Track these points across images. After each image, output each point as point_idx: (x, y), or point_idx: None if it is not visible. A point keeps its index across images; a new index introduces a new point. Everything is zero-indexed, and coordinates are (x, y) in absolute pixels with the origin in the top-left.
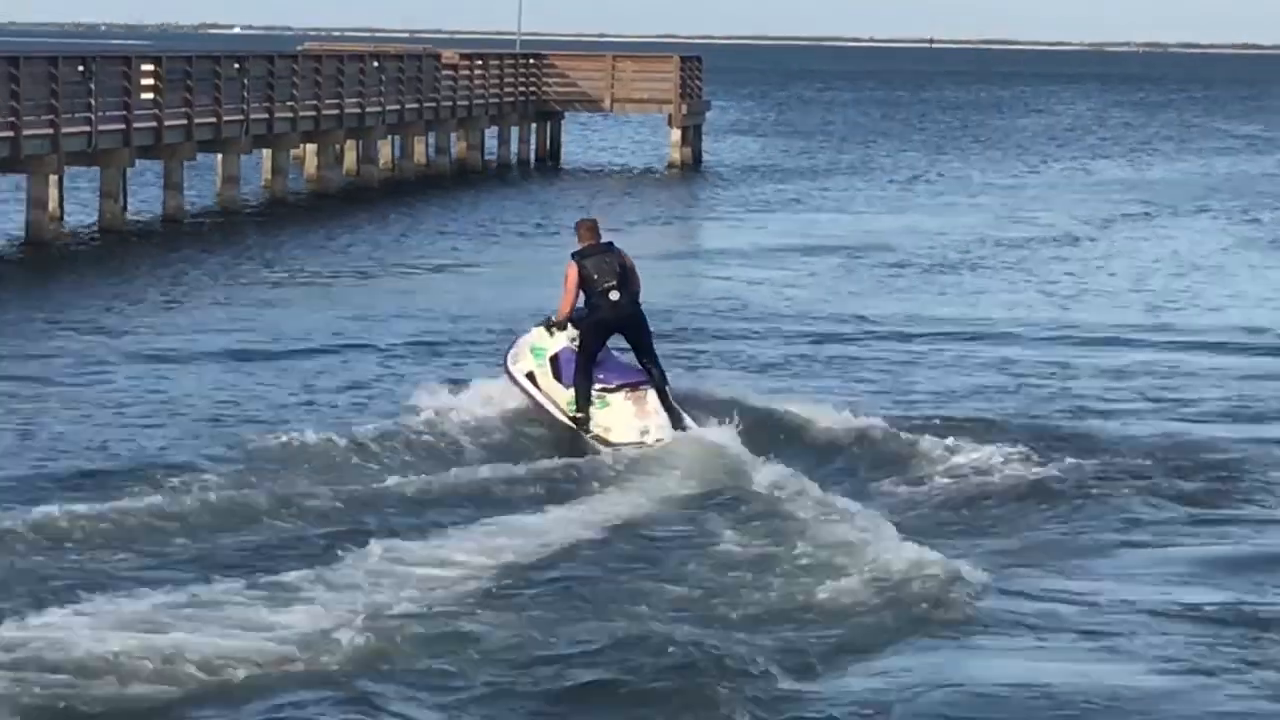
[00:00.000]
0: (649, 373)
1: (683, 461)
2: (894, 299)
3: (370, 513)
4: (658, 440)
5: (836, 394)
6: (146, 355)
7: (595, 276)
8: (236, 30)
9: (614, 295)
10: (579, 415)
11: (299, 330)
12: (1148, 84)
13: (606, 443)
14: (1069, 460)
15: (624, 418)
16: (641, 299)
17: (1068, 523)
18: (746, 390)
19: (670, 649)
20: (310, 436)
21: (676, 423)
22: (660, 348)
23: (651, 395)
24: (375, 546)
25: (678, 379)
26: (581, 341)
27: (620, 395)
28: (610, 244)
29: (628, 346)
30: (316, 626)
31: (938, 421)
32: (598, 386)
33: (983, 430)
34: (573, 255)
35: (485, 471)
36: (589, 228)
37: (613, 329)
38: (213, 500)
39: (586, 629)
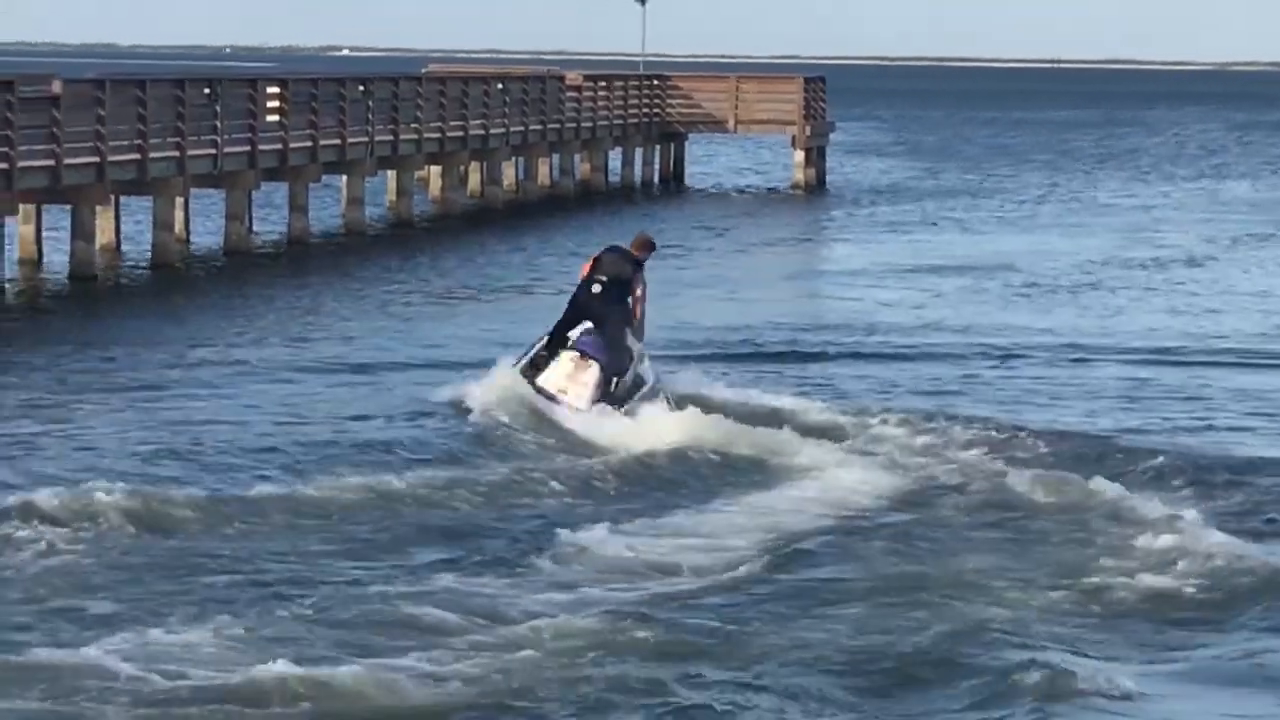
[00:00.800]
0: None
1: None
2: (1026, 317)
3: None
4: (570, 406)
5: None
6: (280, 368)
7: (602, 268)
8: (349, 52)
9: (595, 288)
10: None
11: (425, 345)
12: (1275, 103)
13: (531, 382)
14: None
15: (559, 370)
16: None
17: None
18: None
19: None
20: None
21: (604, 401)
22: (795, 369)
23: (594, 370)
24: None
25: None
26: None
27: (571, 354)
28: (639, 261)
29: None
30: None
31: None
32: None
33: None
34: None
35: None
36: (642, 242)
37: (581, 313)
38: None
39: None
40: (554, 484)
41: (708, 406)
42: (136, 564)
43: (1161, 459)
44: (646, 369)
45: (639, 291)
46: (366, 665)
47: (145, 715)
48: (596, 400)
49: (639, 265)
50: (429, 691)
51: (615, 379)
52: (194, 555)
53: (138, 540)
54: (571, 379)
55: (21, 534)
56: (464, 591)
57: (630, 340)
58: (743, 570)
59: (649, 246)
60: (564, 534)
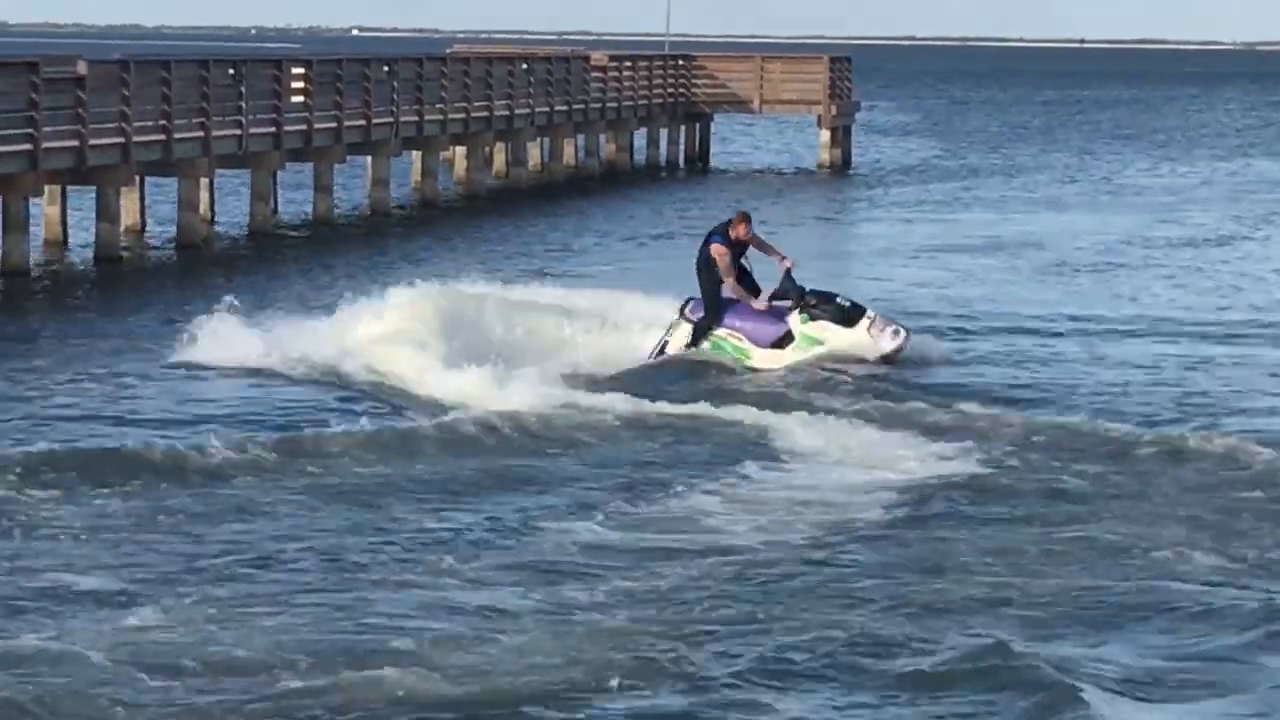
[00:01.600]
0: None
1: None
2: (1055, 296)
3: None
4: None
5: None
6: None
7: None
8: (364, 33)
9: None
10: None
11: None
12: None
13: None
14: None
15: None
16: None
17: None
18: None
19: None
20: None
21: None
22: None
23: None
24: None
25: None
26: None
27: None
28: (709, 237)
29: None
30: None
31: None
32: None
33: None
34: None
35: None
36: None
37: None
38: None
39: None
40: None
41: None
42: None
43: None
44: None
45: (718, 261)
46: None
47: None
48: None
49: (707, 240)
50: None
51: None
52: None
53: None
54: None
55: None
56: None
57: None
58: None
59: (736, 220)
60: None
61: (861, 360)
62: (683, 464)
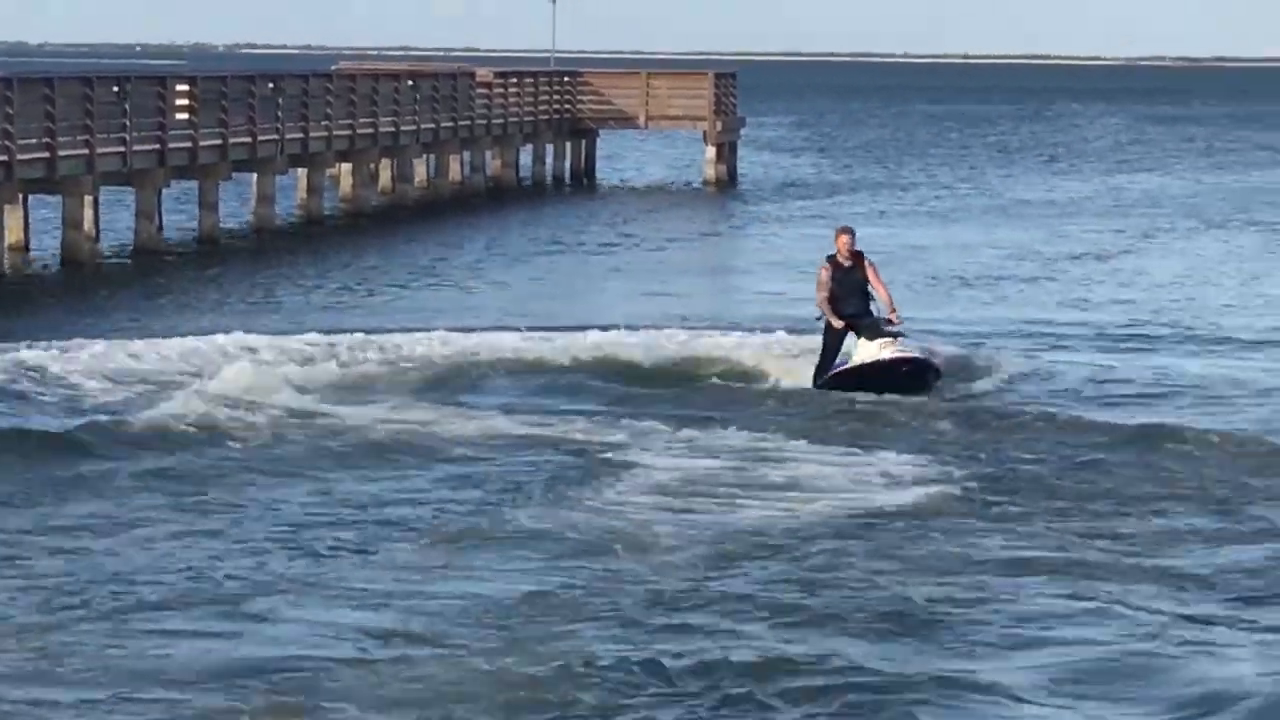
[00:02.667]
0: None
1: None
2: (926, 310)
3: None
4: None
5: None
6: None
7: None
8: (249, 50)
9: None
10: None
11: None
12: (1180, 97)
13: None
14: None
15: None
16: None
17: None
18: None
19: None
20: None
21: None
22: None
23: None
24: None
25: None
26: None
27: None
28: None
29: None
30: None
31: None
32: None
33: None
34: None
35: None
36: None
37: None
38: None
39: None
40: None
41: None
42: None
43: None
44: None
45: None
46: None
47: None
48: None
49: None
50: None
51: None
52: None
53: None
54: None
55: None
56: None
57: None
58: None
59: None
60: None
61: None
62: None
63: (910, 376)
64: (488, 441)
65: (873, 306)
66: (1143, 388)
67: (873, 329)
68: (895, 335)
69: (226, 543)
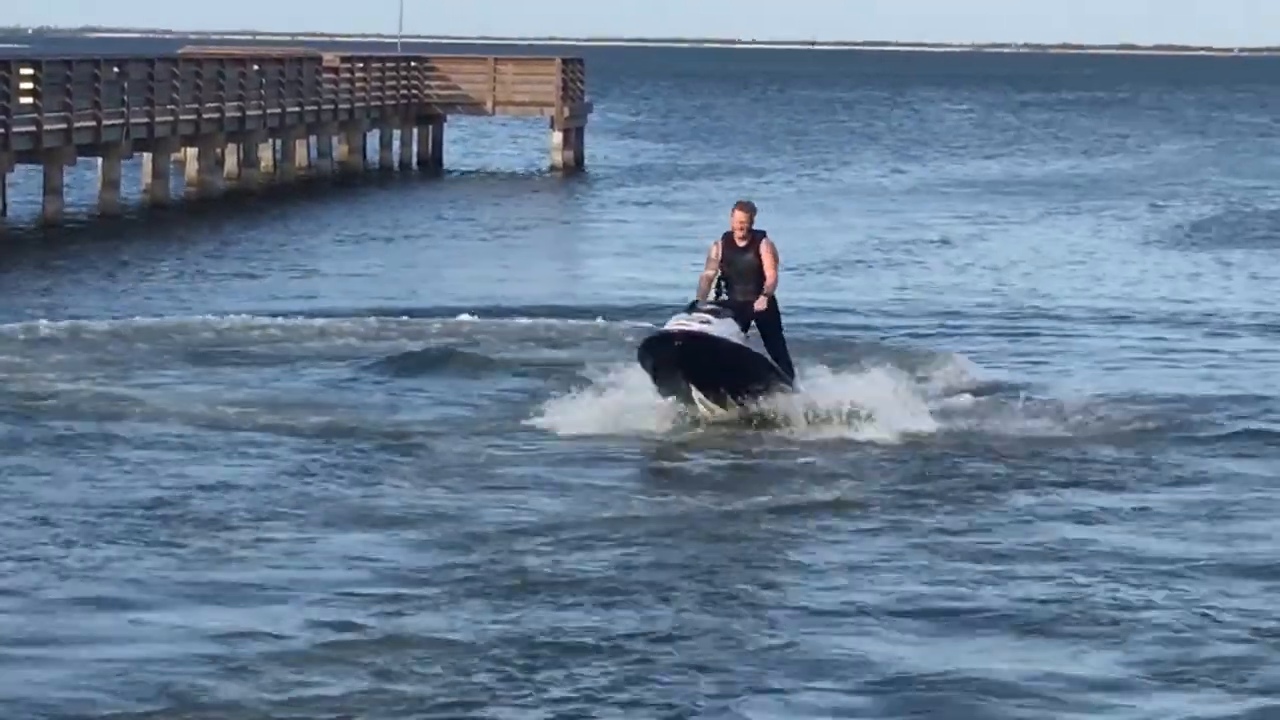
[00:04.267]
0: None
1: None
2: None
3: None
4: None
5: None
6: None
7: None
8: (95, 34)
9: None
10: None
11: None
12: (1025, 84)
13: None
14: None
15: None
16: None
17: None
18: None
19: None
20: None
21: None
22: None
23: None
24: None
25: None
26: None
27: None
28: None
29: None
30: None
31: None
32: None
33: None
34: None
35: None
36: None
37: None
38: None
39: None
40: None
41: None
42: None
43: None
44: None
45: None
46: None
47: None
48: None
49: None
50: None
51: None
52: None
53: None
54: None
55: None
56: None
57: None
58: None
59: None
60: None
61: None
62: None
63: (688, 356)
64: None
65: None
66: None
67: (695, 308)
68: (713, 313)
69: None
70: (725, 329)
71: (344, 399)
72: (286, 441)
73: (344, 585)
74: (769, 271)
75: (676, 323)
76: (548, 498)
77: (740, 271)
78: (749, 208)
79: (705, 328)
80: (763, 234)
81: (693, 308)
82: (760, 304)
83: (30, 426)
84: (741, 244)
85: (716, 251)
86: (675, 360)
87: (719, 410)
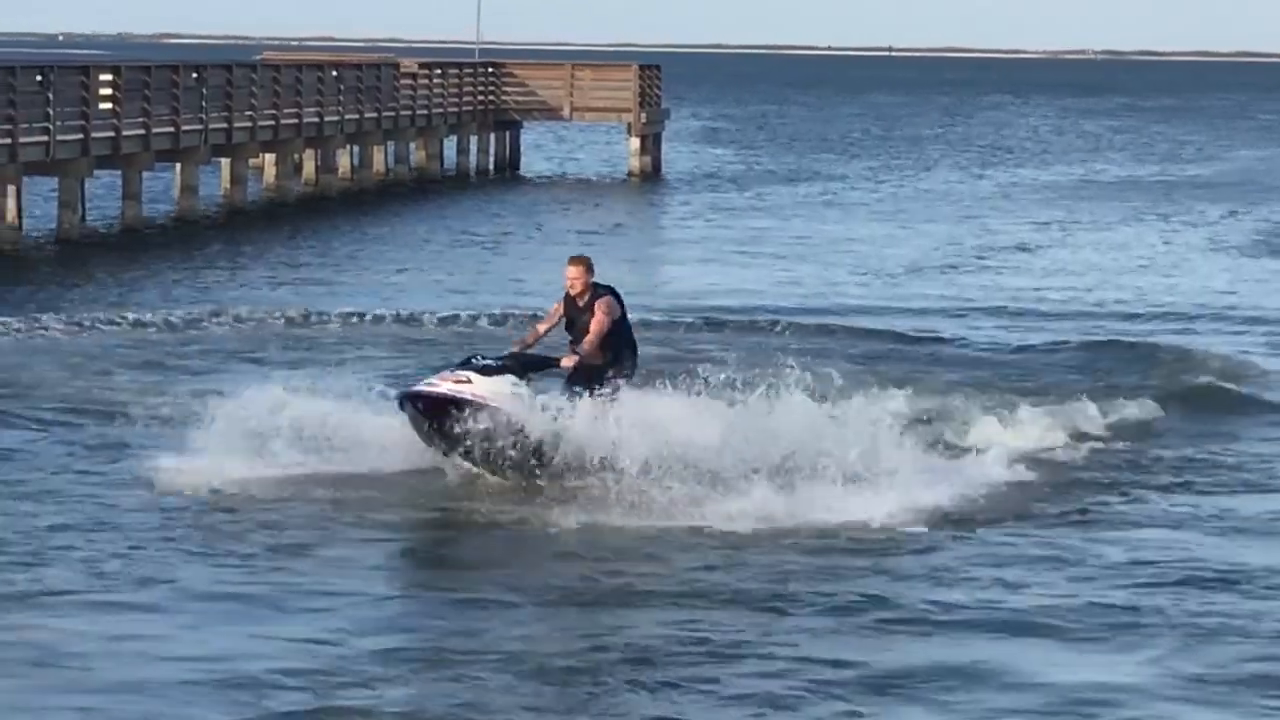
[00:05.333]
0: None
1: None
2: (857, 295)
3: None
4: None
5: None
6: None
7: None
8: (173, 40)
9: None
10: None
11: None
12: (1104, 91)
13: None
14: None
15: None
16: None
17: None
18: None
19: None
20: None
21: None
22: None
23: None
24: None
25: None
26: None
27: None
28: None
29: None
30: None
31: None
32: None
33: None
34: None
35: None
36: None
37: None
38: None
39: None
40: None
41: None
42: None
43: None
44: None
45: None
46: None
47: None
48: None
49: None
50: None
51: None
52: None
53: None
54: None
55: None
56: None
57: None
58: None
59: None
60: None
61: None
62: None
63: (428, 419)
64: None
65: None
66: None
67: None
68: (484, 370)
69: None
70: (487, 388)
71: None
72: None
73: None
74: (590, 333)
75: (439, 378)
76: None
77: (581, 332)
78: (579, 261)
79: (458, 388)
80: (607, 291)
81: (465, 364)
82: (566, 362)
83: None
84: (581, 302)
85: (557, 309)
86: (416, 423)
87: (494, 476)
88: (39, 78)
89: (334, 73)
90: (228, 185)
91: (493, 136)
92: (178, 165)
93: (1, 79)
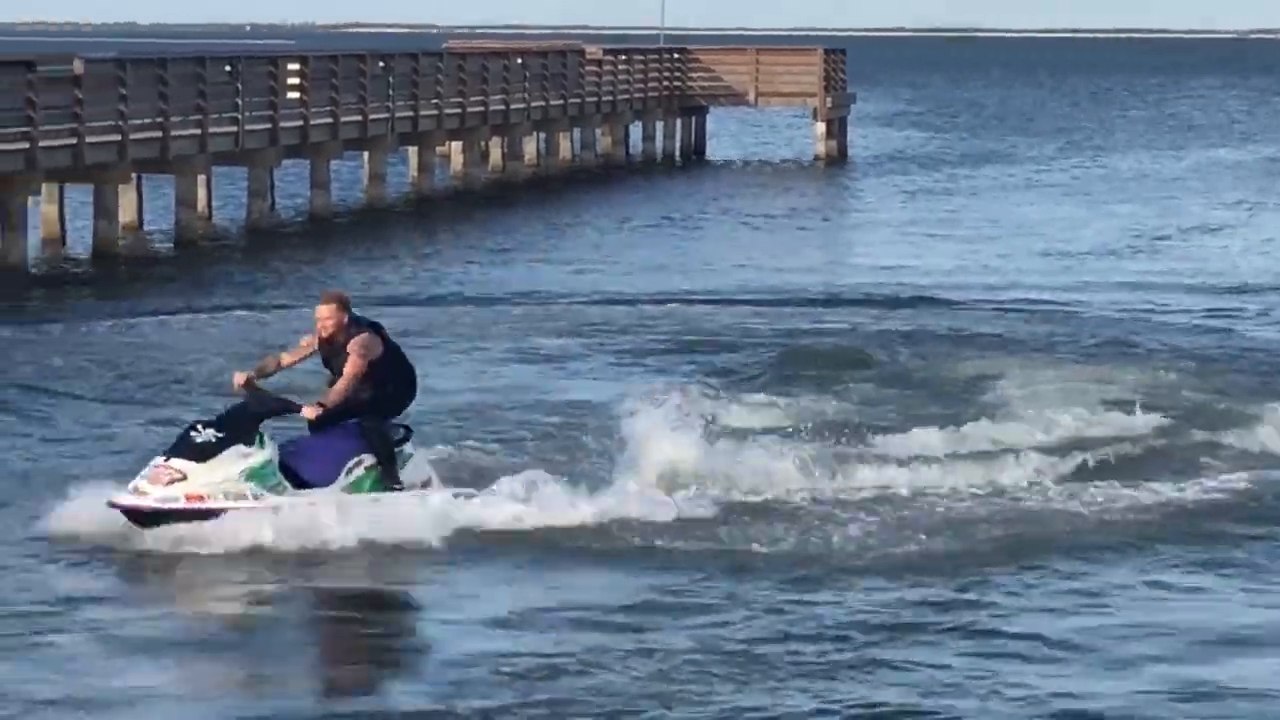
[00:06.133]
0: None
1: None
2: (1040, 278)
3: None
4: None
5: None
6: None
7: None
8: (359, 29)
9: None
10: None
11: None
12: None
13: None
14: None
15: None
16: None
17: None
18: None
19: None
20: None
21: None
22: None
23: None
24: None
25: None
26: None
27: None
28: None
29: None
30: None
31: None
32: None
33: None
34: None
35: None
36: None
37: None
38: None
39: None
40: None
41: None
42: None
43: None
44: None
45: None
46: None
47: None
48: None
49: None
50: None
51: None
52: None
53: None
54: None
55: None
56: None
57: None
58: None
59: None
60: None
61: None
62: None
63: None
64: None
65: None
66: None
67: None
68: (212, 449)
69: None
70: (205, 480)
71: None
72: None
73: None
74: (342, 379)
75: (151, 475)
76: None
77: (338, 374)
78: (330, 299)
79: (168, 493)
80: (367, 328)
81: (183, 440)
82: (308, 413)
83: None
84: (334, 343)
85: (309, 342)
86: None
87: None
88: (227, 68)
89: (519, 60)
90: (415, 173)
91: (679, 122)
92: (365, 154)
93: (191, 70)
